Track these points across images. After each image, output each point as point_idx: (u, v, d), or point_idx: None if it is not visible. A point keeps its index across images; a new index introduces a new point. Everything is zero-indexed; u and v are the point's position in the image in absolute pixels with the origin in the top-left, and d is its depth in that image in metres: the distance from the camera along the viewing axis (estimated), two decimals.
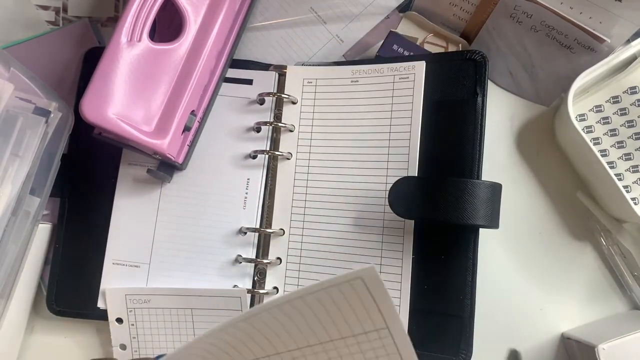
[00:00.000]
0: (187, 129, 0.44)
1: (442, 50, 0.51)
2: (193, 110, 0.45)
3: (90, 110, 0.39)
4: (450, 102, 0.45)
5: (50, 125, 0.43)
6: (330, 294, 0.25)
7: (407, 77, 0.46)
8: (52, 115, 0.43)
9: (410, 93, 0.46)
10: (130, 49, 0.40)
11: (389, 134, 0.46)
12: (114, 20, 0.52)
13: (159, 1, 0.41)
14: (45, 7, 0.52)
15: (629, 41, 0.46)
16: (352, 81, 0.47)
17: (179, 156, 0.45)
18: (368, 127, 0.46)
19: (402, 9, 0.52)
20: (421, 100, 0.45)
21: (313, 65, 0.49)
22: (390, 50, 0.48)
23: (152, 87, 0.42)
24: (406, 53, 0.48)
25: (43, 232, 0.47)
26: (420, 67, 0.46)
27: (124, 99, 0.40)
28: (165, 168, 0.46)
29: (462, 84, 0.45)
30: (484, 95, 0.45)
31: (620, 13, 0.43)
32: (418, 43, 0.50)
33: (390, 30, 0.48)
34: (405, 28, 0.52)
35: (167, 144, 0.42)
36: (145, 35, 0.41)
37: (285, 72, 0.49)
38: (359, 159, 0.46)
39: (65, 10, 0.52)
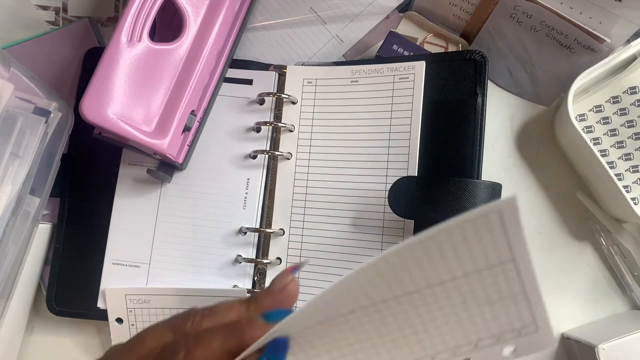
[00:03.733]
0: (187, 129, 0.44)
1: (442, 50, 0.51)
2: (193, 110, 0.45)
3: (90, 110, 0.39)
4: (450, 102, 0.45)
5: (50, 125, 0.43)
6: (463, 231, 0.24)
7: (407, 77, 0.46)
8: (52, 115, 0.43)
9: (410, 93, 0.46)
10: (130, 49, 0.40)
11: (389, 134, 0.46)
12: (114, 20, 0.52)
13: (159, 1, 0.41)
14: (45, 7, 0.52)
15: (629, 41, 0.46)
16: (352, 81, 0.47)
17: (179, 156, 0.45)
18: (368, 127, 0.46)
19: (402, 9, 0.52)
20: (421, 100, 0.45)
21: (313, 65, 0.49)
22: (390, 50, 0.48)
23: (152, 87, 0.42)
24: (406, 53, 0.48)
25: (43, 232, 0.48)
26: (420, 67, 0.46)
27: (124, 99, 0.40)
28: (165, 168, 0.46)
29: (462, 83, 0.45)
30: (484, 95, 0.45)
31: (620, 13, 0.43)
32: (418, 43, 0.50)
33: (390, 30, 0.48)
34: (405, 28, 0.52)
35: (167, 144, 0.42)
36: (145, 35, 0.41)
37: (285, 72, 0.49)
38: (359, 159, 0.46)
39: (65, 10, 0.52)
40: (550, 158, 0.49)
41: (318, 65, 0.49)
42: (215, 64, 0.47)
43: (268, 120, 0.48)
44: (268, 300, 0.28)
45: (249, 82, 0.49)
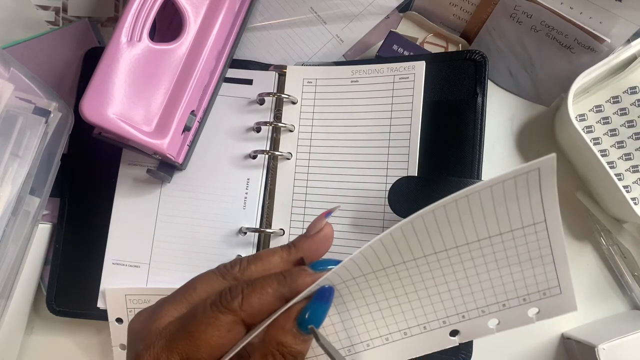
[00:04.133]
0: (187, 129, 0.44)
1: (442, 50, 0.51)
2: (193, 110, 0.45)
3: (90, 110, 0.39)
4: (450, 102, 0.45)
5: (50, 125, 0.43)
6: (505, 187, 0.24)
7: (407, 77, 0.46)
8: (52, 115, 0.43)
9: (410, 93, 0.46)
10: (130, 49, 0.40)
11: (389, 134, 0.46)
12: (114, 20, 0.52)
13: (159, 1, 0.41)
14: (45, 7, 0.52)
15: (629, 41, 0.46)
16: (352, 81, 0.47)
17: (179, 156, 0.45)
18: (368, 127, 0.46)
19: (402, 9, 0.52)
20: (421, 100, 0.45)
21: (313, 65, 0.49)
22: (390, 50, 0.48)
23: (152, 87, 0.42)
24: (406, 53, 0.48)
25: (43, 232, 0.48)
26: (420, 67, 0.46)
27: (124, 99, 0.40)
28: (165, 168, 0.46)
29: (462, 83, 0.45)
30: (484, 95, 0.45)
31: (620, 13, 0.43)
32: (418, 43, 0.50)
33: (390, 30, 0.48)
34: (405, 28, 0.52)
35: (167, 144, 0.42)
36: (145, 35, 0.41)
37: (285, 72, 0.49)
38: (359, 159, 0.46)
39: (65, 10, 0.52)
40: None
41: (318, 65, 0.49)
42: (215, 63, 0.47)
43: (268, 120, 0.48)
44: (306, 243, 0.30)
45: (249, 82, 0.49)
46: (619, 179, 0.47)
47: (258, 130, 0.48)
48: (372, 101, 0.46)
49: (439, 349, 0.29)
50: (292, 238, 0.46)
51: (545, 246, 0.27)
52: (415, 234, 0.26)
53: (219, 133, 0.48)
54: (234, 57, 0.49)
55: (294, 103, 0.48)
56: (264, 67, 0.49)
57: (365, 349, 0.29)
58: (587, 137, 0.43)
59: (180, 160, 0.45)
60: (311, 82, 0.48)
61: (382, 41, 0.48)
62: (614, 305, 0.47)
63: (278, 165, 0.48)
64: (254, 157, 0.48)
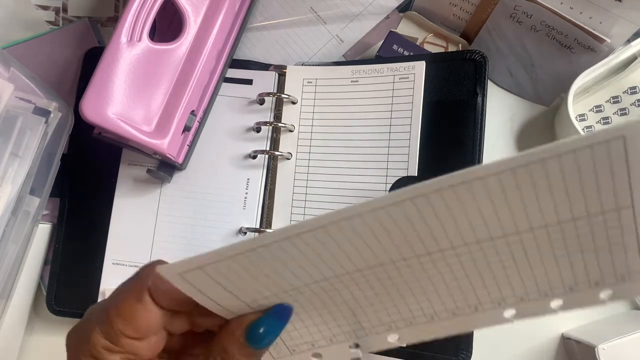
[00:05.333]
0: (187, 129, 0.44)
1: (442, 50, 0.51)
2: (193, 110, 0.45)
3: (90, 110, 0.39)
4: (450, 102, 0.45)
5: (50, 125, 0.43)
6: (577, 159, 0.19)
7: (407, 77, 0.46)
8: (52, 115, 0.43)
9: (410, 93, 0.46)
10: (130, 49, 0.40)
11: (389, 134, 0.45)
12: (114, 20, 0.52)
13: (159, 1, 0.41)
14: (45, 7, 0.52)
15: (629, 41, 0.46)
16: (352, 81, 0.47)
17: (179, 156, 0.45)
18: (368, 127, 0.46)
19: (402, 9, 0.52)
20: (421, 100, 0.45)
21: (313, 65, 0.49)
22: (390, 50, 0.48)
23: (152, 87, 0.42)
24: (406, 53, 0.48)
25: (43, 232, 0.47)
26: (420, 67, 0.46)
27: (124, 99, 0.40)
28: (165, 168, 0.46)
29: (462, 83, 0.45)
30: (484, 95, 0.45)
31: (620, 13, 0.43)
32: (418, 43, 0.50)
33: (391, 30, 0.48)
34: (405, 28, 0.52)
35: (167, 144, 0.42)
36: (145, 35, 0.41)
37: (285, 72, 0.49)
38: (359, 159, 0.46)
39: (65, 10, 0.52)
40: None
41: (318, 65, 0.49)
42: (215, 63, 0.46)
43: (268, 120, 0.48)
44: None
45: (249, 82, 0.49)
46: None
47: (258, 130, 0.48)
48: (372, 101, 0.46)
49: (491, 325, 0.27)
50: None
51: (630, 233, 0.22)
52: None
53: (218, 133, 0.48)
54: (234, 57, 0.49)
55: (294, 103, 0.48)
56: (264, 67, 0.49)
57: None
58: None
59: (180, 160, 0.45)
60: (311, 82, 0.48)
61: (382, 41, 0.48)
62: (614, 305, 0.47)
63: (278, 165, 0.48)
64: (254, 157, 0.47)
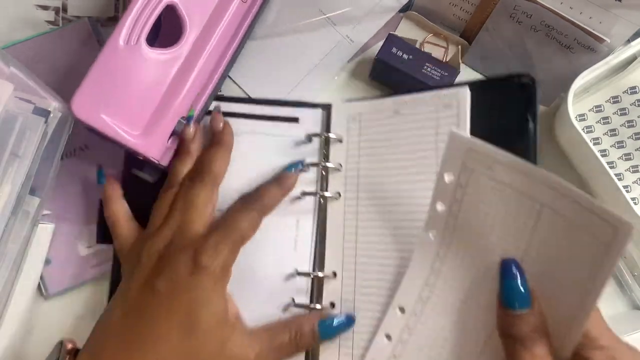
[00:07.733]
0: (175, 133, 0.44)
1: (441, 50, 0.51)
2: (183, 117, 0.44)
3: (79, 108, 0.39)
4: (499, 129, 0.40)
5: (50, 125, 0.43)
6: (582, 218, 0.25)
7: (450, 105, 0.42)
8: (52, 115, 0.43)
9: (454, 121, 0.42)
10: (125, 52, 0.40)
11: (435, 166, 0.42)
12: (114, 20, 0.52)
13: (159, 7, 0.41)
14: (45, 7, 0.52)
15: (629, 41, 0.46)
16: (394, 112, 0.45)
17: (163, 159, 0.44)
18: (413, 159, 0.43)
19: (402, 9, 0.52)
20: (467, 129, 0.41)
21: (357, 101, 0.47)
22: (390, 53, 0.47)
23: (144, 91, 0.42)
24: (405, 56, 0.47)
25: (43, 232, 0.47)
26: (464, 93, 0.42)
27: (115, 100, 0.40)
28: (148, 169, 0.45)
29: (511, 109, 0.41)
30: (535, 122, 0.40)
31: (620, 13, 0.43)
32: (418, 43, 0.50)
33: (389, 33, 0.48)
34: (405, 28, 0.52)
35: (150, 147, 0.42)
36: (142, 40, 0.41)
37: (331, 109, 0.47)
38: (407, 195, 0.43)
39: (65, 10, 0.52)
40: (550, 158, 0.49)
41: (362, 101, 0.47)
42: (214, 68, 0.45)
43: (317, 161, 0.46)
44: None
45: (294, 120, 0.47)
46: (619, 179, 0.47)
47: (306, 170, 0.46)
48: (416, 132, 0.43)
49: None
50: (345, 281, 0.43)
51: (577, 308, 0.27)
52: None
53: (267, 173, 0.45)
54: (279, 98, 0.48)
55: (340, 141, 0.46)
56: (311, 105, 0.48)
57: None
58: (587, 137, 0.43)
59: (165, 163, 0.44)
60: (355, 119, 0.46)
61: (382, 41, 0.48)
62: (614, 305, 0.47)
63: (327, 205, 0.45)
64: (303, 199, 0.45)
